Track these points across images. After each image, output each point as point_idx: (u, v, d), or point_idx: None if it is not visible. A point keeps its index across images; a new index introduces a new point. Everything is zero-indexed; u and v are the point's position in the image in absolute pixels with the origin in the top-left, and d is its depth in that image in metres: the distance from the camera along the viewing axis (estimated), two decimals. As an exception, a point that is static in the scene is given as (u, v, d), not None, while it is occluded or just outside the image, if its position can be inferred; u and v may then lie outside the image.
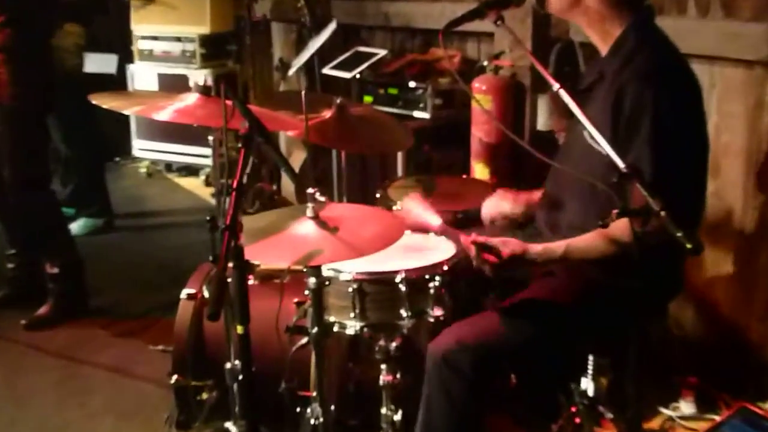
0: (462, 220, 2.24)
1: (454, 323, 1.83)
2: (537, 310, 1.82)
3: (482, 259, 1.73)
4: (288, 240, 1.71)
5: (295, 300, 2.09)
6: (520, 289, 1.89)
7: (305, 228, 1.73)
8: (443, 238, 2.10)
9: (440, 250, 2.03)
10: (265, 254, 1.69)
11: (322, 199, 1.80)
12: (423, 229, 2.07)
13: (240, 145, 1.51)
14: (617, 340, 1.79)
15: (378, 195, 2.53)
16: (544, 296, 1.84)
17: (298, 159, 4.01)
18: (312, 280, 1.79)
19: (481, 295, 2.02)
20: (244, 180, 1.48)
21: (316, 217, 1.75)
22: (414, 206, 2.03)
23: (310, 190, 1.75)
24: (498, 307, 1.85)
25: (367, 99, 3.69)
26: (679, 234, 1.29)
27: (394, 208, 2.31)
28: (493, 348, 1.76)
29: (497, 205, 2.11)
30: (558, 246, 1.75)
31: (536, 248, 1.75)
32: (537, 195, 2.07)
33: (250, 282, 2.17)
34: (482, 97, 3.02)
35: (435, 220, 1.97)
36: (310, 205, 1.75)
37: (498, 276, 1.75)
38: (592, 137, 1.54)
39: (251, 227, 1.70)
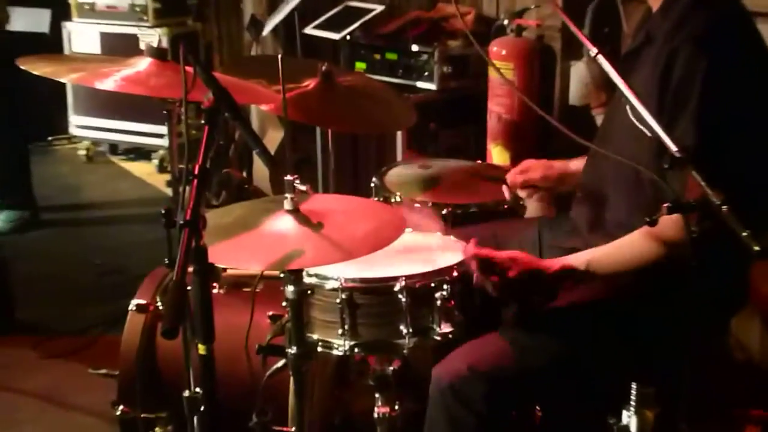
0: (475, 216, 2.26)
1: (466, 343, 1.84)
2: (567, 327, 1.82)
3: (484, 278, 1.75)
4: (261, 239, 1.72)
5: (270, 313, 2.09)
6: (548, 300, 1.88)
7: (283, 224, 1.73)
8: (451, 238, 2.10)
9: (449, 252, 2.02)
10: (234, 257, 1.69)
11: (304, 188, 1.81)
12: (427, 226, 2.09)
13: (203, 121, 1.52)
14: (666, 364, 1.78)
15: (373, 184, 2.51)
16: (575, 309, 1.83)
17: (274, 139, 4.04)
18: (290, 289, 1.79)
19: (500, 308, 2.04)
20: (208, 165, 1.48)
21: (295, 211, 1.75)
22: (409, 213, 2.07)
23: (288, 178, 1.75)
24: (519, 323, 1.86)
25: (360, 66, 3.70)
26: (744, 234, 1.29)
27: (393, 200, 2.32)
28: (512, 374, 1.76)
29: (527, 173, 2.13)
30: (579, 261, 1.76)
31: (554, 267, 1.76)
32: (576, 163, 2.09)
33: (215, 291, 2.21)
34: (502, 65, 3.09)
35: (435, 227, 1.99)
36: (288, 195, 1.75)
37: (506, 297, 1.78)
38: (636, 113, 1.55)
39: (216, 223, 1.71)
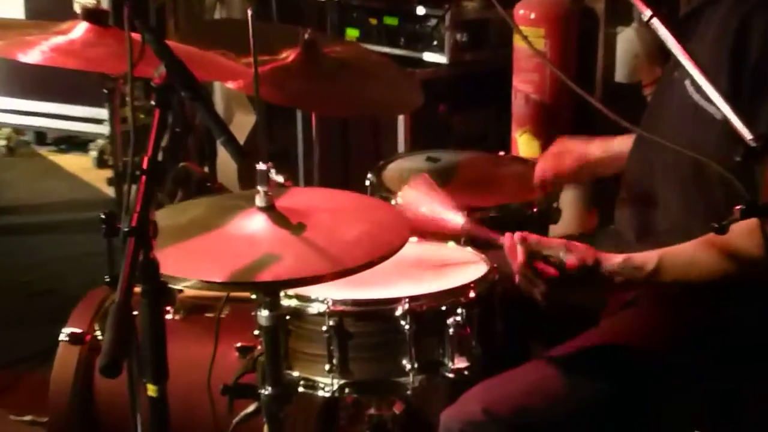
0: (497, 222, 2.24)
1: (483, 381, 1.84)
2: (610, 362, 1.82)
3: (534, 272, 1.74)
4: (227, 247, 1.70)
5: (239, 345, 2.10)
6: (586, 328, 1.90)
7: (253, 225, 1.73)
8: (468, 250, 2.10)
9: (463, 267, 2.02)
10: (192, 271, 1.65)
11: (280, 179, 1.82)
12: (436, 234, 2.08)
13: (153, 102, 1.52)
14: (733, 407, 1.79)
15: (368, 182, 2.52)
16: (620, 340, 1.84)
17: (243, 125, 4.05)
18: (264, 314, 1.77)
19: (526, 337, 2.03)
20: (160, 157, 1.47)
21: (269, 209, 1.74)
22: (421, 198, 2.04)
23: (261, 166, 1.74)
24: (550, 356, 1.85)
25: (352, 33, 3.71)
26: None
27: (394, 201, 2.32)
28: (539, 420, 1.76)
29: (559, 162, 2.17)
30: (647, 258, 1.76)
31: (615, 259, 1.76)
32: (621, 143, 2.11)
33: (169, 317, 2.19)
34: (530, 31, 3.11)
35: (455, 217, 1.98)
36: (261, 189, 1.74)
37: (555, 302, 1.76)
38: (700, 91, 1.54)
39: (171, 229, 1.69)
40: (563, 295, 1.79)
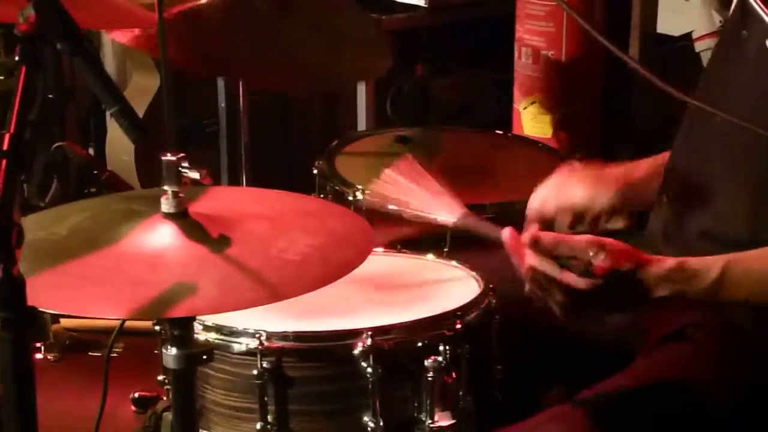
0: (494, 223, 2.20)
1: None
2: (650, 414, 1.84)
3: (547, 280, 1.73)
4: (120, 265, 1.68)
5: (136, 395, 2.10)
6: (618, 369, 1.90)
7: (158, 239, 1.71)
8: (454, 264, 2.09)
9: (447, 287, 2.04)
10: (71, 296, 1.65)
11: (196, 175, 1.77)
12: (416, 239, 2.03)
13: (17, 58, 1.51)
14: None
15: (316, 170, 2.54)
16: (664, 385, 1.86)
17: (143, 91, 4.10)
18: (172, 353, 1.73)
19: (536, 384, 2.04)
20: (27, 135, 1.46)
21: (181, 215, 1.71)
22: (405, 186, 2.02)
23: (169, 157, 1.71)
24: (570, 407, 1.85)
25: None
26: None
27: (354, 197, 2.30)
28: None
29: (561, 191, 2.14)
30: (709, 264, 1.76)
31: (663, 263, 1.76)
32: (645, 169, 2.12)
33: (39, 356, 2.14)
34: None
35: (448, 210, 1.97)
36: (168, 189, 1.71)
37: (577, 318, 1.77)
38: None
39: (44, 245, 1.69)
40: (589, 312, 1.79)
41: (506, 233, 1.80)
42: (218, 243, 1.68)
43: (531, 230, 1.75)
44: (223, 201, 1.82)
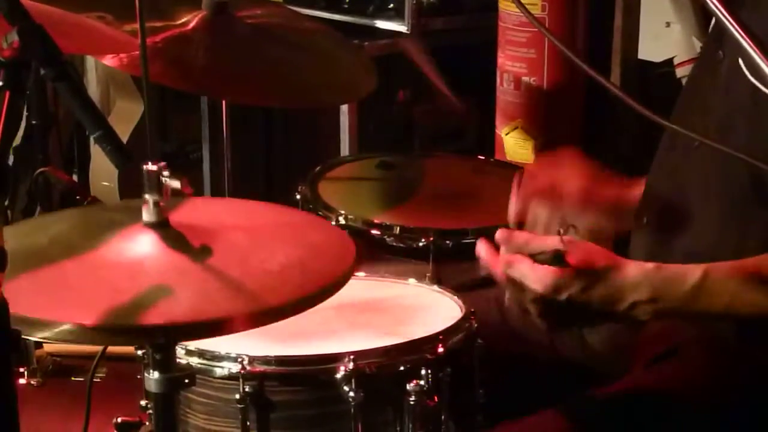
0: (473, 250, 2.22)
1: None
2: (643, 424, 1.84)
3: (527, 277, 1.74)
4: (100, 278, 1.68)
5: (119, 419, 2.09)
6: (606, 383, 1.90)
7: (138, 248, 1.72)
8: (435, 288, 2.08)
9: (429, 312, 2.06)
10: (46, 301, 1.64)
11: (176, 184, 1.78)
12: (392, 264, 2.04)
13: (1, 84, 1.56)
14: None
15: (299, 195, 2.56)
16: (656, 393, 1.88)
17: (126, 117, 4.20)
18: (154, 377, 1.74)
19: (518, 409, 1.99)
20: (9, 160, 1.48)
21: (161, 225, 1.72)
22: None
23: (150, 166, 1.71)
24: (556, 413, 1.87)
25: (278, -10, 3.55)
26: None
27: (336, 222, 2.33)
28: None
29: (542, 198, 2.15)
30: (689, 270, 1.76)
31: (642, 265, 1.77)
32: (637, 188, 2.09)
33: (22, 381, 2.13)
34: None
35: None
36: (149, 198, 1.71)
37: (558, 325, 1.79)
38: (758, 73, 1.52)
39: (23, 252, 1.69)
40: (566, 314, 1.78)
41: (480, 244, 1.81)
42: (198, 253, 1.70)
43: (501, 231, 1.74)
44: (204, 212, 1.83)
